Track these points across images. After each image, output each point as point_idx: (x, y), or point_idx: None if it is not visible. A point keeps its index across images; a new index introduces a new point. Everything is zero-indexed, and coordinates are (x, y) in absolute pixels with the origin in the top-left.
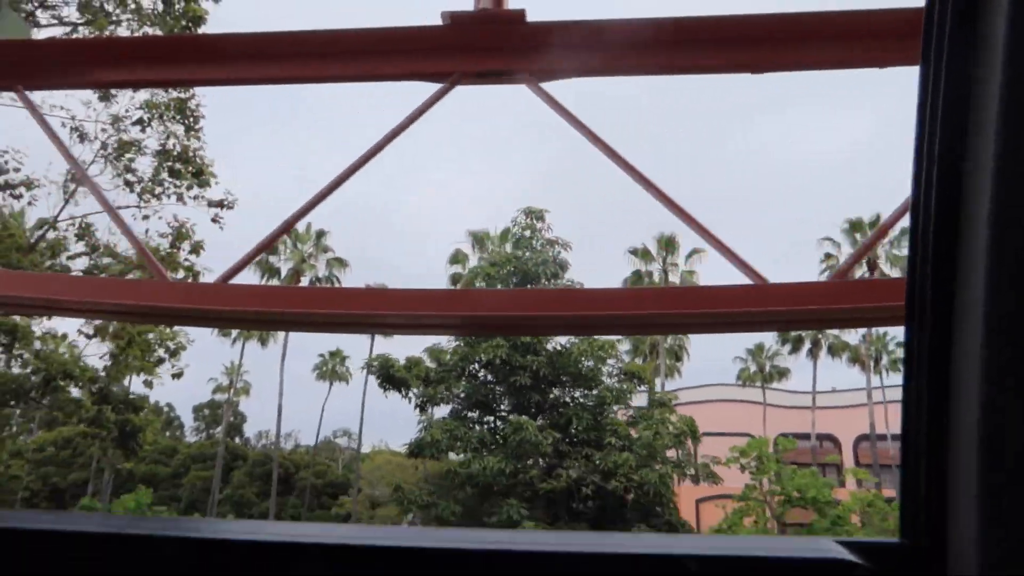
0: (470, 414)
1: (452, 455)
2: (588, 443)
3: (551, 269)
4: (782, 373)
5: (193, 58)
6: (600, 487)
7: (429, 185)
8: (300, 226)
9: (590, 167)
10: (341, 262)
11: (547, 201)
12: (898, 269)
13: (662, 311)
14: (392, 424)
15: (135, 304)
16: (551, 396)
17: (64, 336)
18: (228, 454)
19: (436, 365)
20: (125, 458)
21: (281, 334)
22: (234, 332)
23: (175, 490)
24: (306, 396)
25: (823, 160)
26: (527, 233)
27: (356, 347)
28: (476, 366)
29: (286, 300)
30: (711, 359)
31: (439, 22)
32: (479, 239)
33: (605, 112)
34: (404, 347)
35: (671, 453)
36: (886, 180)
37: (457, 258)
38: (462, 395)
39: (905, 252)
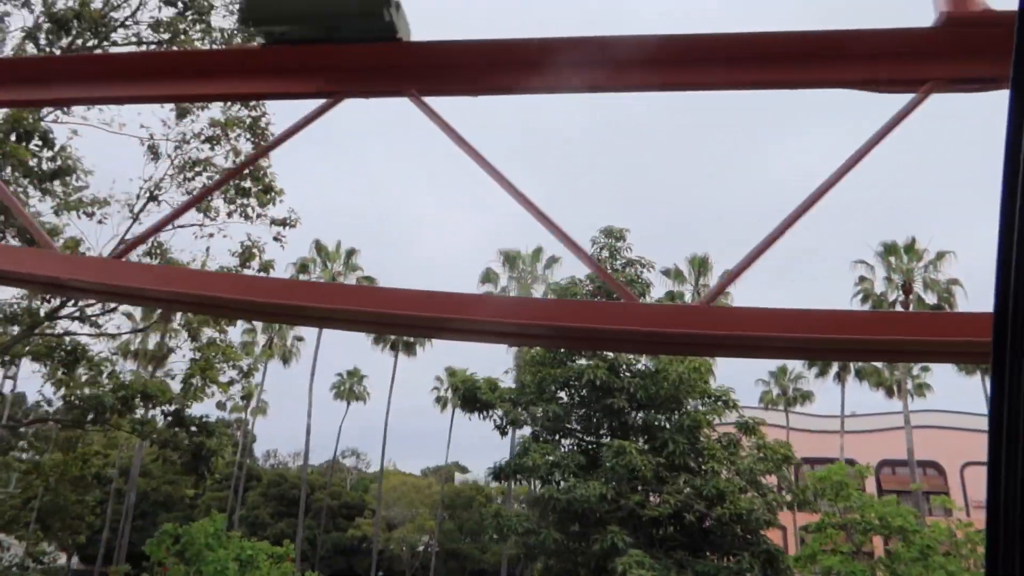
0: (559, 438)
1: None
2: (685, 468)
3: (637, 289)
4: (806, 396)
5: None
6: (704, 514)
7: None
8: (330, 245)
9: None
10: (371, 281)
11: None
12: (932, 293)
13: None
14: (403, 444)
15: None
16: (641, 419)
17: (104, 360)
18: (242, 474)
19: (518, 386)
20: (195, 484)
21: (306, 352)
22: (256, 350)
23: (190, 511)
24: (313, 415)
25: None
26: (604, 253)
27: (375, 368)
28: (554, 387)
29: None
30: (731, 381)
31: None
32: (510, 258)
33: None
34: (430, 366)
35: (766, 479)
36: (898, 201)
37: (489, 277)
38: (551, 416)
39: (942, 276)
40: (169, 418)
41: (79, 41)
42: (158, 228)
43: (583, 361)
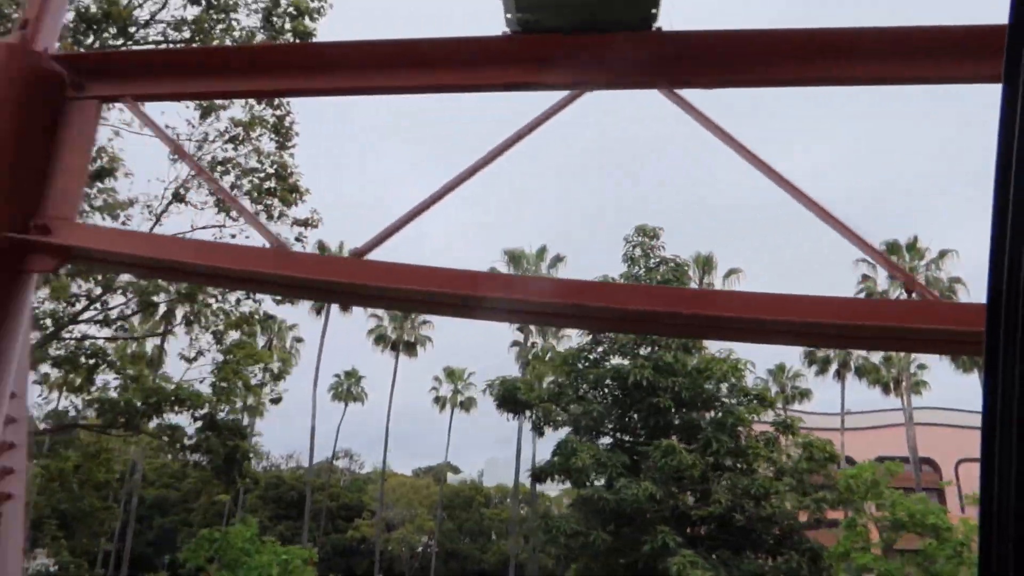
0: (594, 437)
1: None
2: (728, 467)
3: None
4: (804, 394)
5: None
6: (752, 513)
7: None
8: (333, 245)
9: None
10: None
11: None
12: (935, 291)
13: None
14: (393, 445)
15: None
16: (680, 418)
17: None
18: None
19: (551, 384)
20: (225, 488)
21: (305, 355)
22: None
23: (186, 515)
24: (306, 417)
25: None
26: (637, 251)
27: (373, 369)
28: (585, 387)
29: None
30: None
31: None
32: (515, 257)
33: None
34: (420, 367)
35: (807, 478)
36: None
37: None
38: (594, 416)
39: (944, 274)
40: (199, 423)
41: (97, 44)
42: (404, 222)
43: (622, 361)
